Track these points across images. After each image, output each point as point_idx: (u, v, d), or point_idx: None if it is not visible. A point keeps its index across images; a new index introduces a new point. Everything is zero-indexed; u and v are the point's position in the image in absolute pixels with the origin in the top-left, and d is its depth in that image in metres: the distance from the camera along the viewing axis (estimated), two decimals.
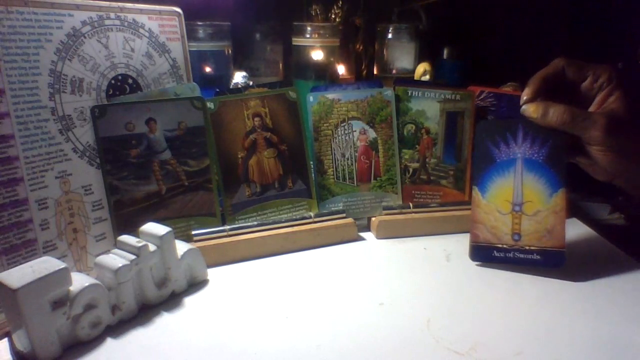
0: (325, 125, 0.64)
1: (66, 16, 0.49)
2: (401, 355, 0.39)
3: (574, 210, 0.68)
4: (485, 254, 0.53)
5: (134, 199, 0.53)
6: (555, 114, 0.48)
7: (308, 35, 0.81)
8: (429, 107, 0.65)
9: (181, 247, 0.49)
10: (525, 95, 0.50)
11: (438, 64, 0.91)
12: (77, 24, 0.50)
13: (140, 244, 0.44)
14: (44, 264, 0.39)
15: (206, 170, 0.57)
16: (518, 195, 0.52)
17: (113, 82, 0.54)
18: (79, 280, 0.40)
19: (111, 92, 0.53)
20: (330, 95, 0.64)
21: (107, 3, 0.53)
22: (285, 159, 0.62)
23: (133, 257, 0.44)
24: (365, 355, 0.39)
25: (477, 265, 0.54)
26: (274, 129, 0.62)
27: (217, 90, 0.62)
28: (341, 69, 0.90)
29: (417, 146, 0.65)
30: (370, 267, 0.55)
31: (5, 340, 0.41)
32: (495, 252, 0.52)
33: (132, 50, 0.56)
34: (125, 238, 0.46)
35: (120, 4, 0.54)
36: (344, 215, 0.62)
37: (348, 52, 0.95)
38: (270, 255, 0.57)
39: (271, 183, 0.61)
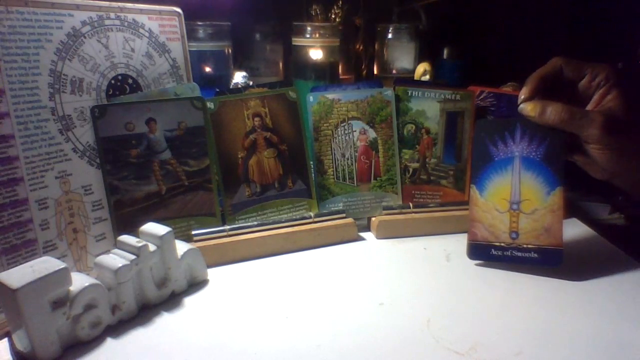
0: (325, 125, 0.64)
1: (66, 16, 0.49)
2: (401, 355, 0.39)
3: (574, 210, 0.68)
4: (483, 252, 0.53)
5: (134, 199, 0.53)
6: (552, 112, 0.48)
7: (308, 35, 0.81)
8: (429, 107, 0.65)
9: (181, 247, 0.49)
10: (523, 94, 0.50)
11: (438, 64, 0.91)
12: (77, 24, 0.50)
13: (140, 244, 0.44)
14: (44, 264, 0.39)
15: (206, 170, 0.57)
16: (516, 194, 0.52)
17: (113, 82, 0.54)
18: (79, 280, 0.40)
19: (111, 92, 0.53)
20: (330, 95, 0.64)
21: (107, 3, 0.53)
22: (285, 159, 0.62)
23: (133, 257, 0.44)
24: (365, 355, 0.39)
25: (477, 265, 0.54)
26: (274, 129, 0.62)
27: (217, 90, 0.62)
28: (341, 69, 0.90)
29: (417, 146, 0.65)
30: (370, 267, 0.55)
31: (5, 340, 0.41)
32: (493, 250, 0.52)
33: (132, 50, 0.56)
34: (125, 238, 0.46)
35: (120, 4, 0.54)
36: (344, 215, 0.62)
37: (348, 52, 0.95)
38: (270, 255, 0.57)
39: (271, 183, 0.61)
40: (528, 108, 0.50)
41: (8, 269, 0.40)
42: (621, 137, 0.47)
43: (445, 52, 0.92)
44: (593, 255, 0.56)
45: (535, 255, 0.51)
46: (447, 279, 0.52)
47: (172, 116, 0.55)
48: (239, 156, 0.60)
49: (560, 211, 0.50)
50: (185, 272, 0.49)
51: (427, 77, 0.85)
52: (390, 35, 0.90)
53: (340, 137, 0.64)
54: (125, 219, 0.52)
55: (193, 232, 0.55)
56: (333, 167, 0.64)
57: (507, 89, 0.70)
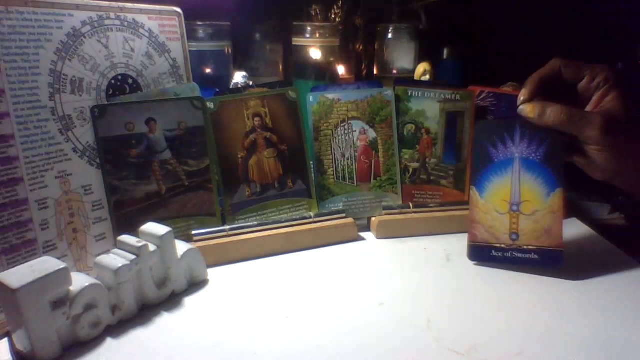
0: (325, 125, 0.64)
1: (66, 16, 0.49)
2: (401, 355, 0.39)
3: (574, 210, 0.68)
4: (483, 253, 0.53)
5: (134, 199, 0.53)
6: (552, 114, 0.48)
7: (308, 35, 0.81)
8: (429, 107, 0.65)
9: (181, 247, 0.49)
10: (522, 96, 0.50)
11: (438, 64, 0.91)
12: (77, 24, 0.50)
13: (140, 244, 0.44)
14: (44, 264, 0.39)
15: (206, 170, 0.57)
16: (516, 195, 0.52)
17: (113, 82, 0.54)
18: (79, 280, 0.40)
19: (111, 92, 0.53)
20: (330, 95, 0.64)
21: (107, 3, 0.53)
22: (285, 159, 0.62)
23: (133, 257, 0.44)
24: (365, 355, 0.39)
25: (477, 265, 0.54)
26: (274, 129, 0.62)
27: (217, 90, 0.62)
28: (341, 69, 0.90)
29: (417, 146, 0.65)
30: (370, 267, 0.55)
31: (5, 340, 0.41)
32: (493, 251, 0.52)
33: (132, 50, 0.56)
34: (125, 238, 0.46)
35: (120, 4, 0.54)
36: (344, 215, 0.61)
37: (348, 52, 0.95)
38: (270, 255, 0.57)
39: (271, 183, 0.61)
40: (527, 110, 0.50)
41: (8, 269, 0.40)
42: (620, 138, 0.47)
43: (445, 52, 0.92)
44: (593, 255, 0.56)
45: (536, 256, 0.51)
46: (447, 279, 0.52)
47: (172, 116, 0.55)
48: (239, 156, 0.60)
49: (560, 212, 0.50)
50: (185, 272, 0.49)
51: (427, 77, 0.85)
52: (390, 35, 0.90)
53: (340, 137, 0.64)
54: (125, 219, 0.52)
55: (193, 232, 0.55)
56: (333, 167, 0.64)
57: (507, 89, 0.70)
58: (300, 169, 0.63)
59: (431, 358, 0.39)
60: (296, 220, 0.59)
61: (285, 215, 0.61)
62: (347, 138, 0.64)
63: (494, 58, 0.90)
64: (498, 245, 0.52)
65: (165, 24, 0.59)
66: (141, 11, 0.56)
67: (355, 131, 0.64)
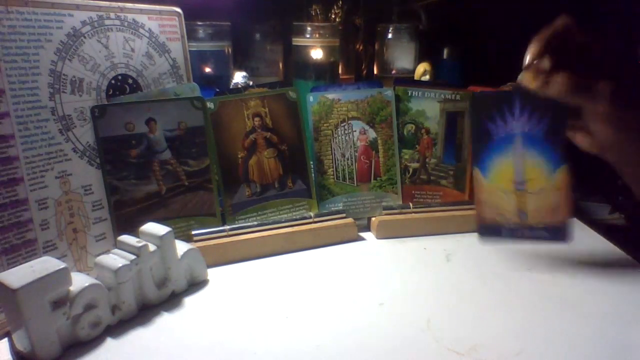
0: (325, 125, 0.64)
1: (66, 16, 0.49)
2: (401, 355, 0.39)
3: (573, 210, 0.68)
4: (493, 231, 0.53)
5: (134, 199, 0.53)
6: (556, 84, 0.43)
7: (308, 35, 0.81)
8: (429, 107, 0.65)
9: (181, 247, 0.49)
10: (527, 59, 0.44)
11: (438, 64, 0.91)
12: (77, 24, 0.50)
13: (140, 244, 0.44)
14: (44, 264, 0.39)
15: (206, 170, 0.57)
16: (519, 173, 0.50)
17: (113, 82, 0.54)
18: (79, 280, 0.40)
19: (111, 92, 0.53)
20: (330, 95, 0.64)
21: (107, 3, 0.53)
22: (285, 159, 0.62)
23: (133, 257, 0.44)
24: (365, 355, 0.39)
25: (477, 265, 0.54)
26: (274, 129, 0.62)
27: (217, 90, 0.62)
28: (341, 69, 0.89)
29: (417, 146, 0.65)
30: (370, 267, 0.55)
31: (5, 340, 0.41)
32: (503, 230, 0.52)
33: (132, 50, 0.56)
34: (125, 238, 0.46)
35: (120, 4, 0.54)
36: (344, 215, 0.61)
37: (348, 52, 0.95)
38: (270, 255, 0.57)
39: (271, 183, 0.61)
40: (528, 78, 0.44)
41: (8, 269, 0.40)
42: (629, 112, 0.43)
43: (445, 52, 0.92)
44: (593, 255, 0.56)
45: (545, 233, 0.51)
46: (447, 279, 0.51)
47: (172, 116, 0.55)
48: (239, 156, 0.60)
49: (566, 189, 0.49)
50: (185, 272, 0.49)
51: (427, 77, 0.85)
52: (390, 35, 0.90)
53: (340, 137, 0.64)
54: (125, 219, 0.52)
55: (193, 232, 0.55)
56: (333, 167, 0.64)
57: (507, 89, 0.70)
58: (300, 169, 0.63)
59: (431, 358, 0.39)
60: (296, 220, 0.59)
61: (285, 215, 0.61)
62: (347, 138, 0.64)
63: (494, 58, 0.90)
64: (507, 224, 0.52)
65: (165, 24, 0.59)
66: (141, 11, 0.56)
67: (355, 131, 0.64)
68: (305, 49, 0.81)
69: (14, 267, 0.39)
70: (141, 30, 0.56)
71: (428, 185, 0.66)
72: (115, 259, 0.43)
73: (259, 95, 0.62)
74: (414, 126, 0.65)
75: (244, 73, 0.75)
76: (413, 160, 0.65)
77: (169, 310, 0.46)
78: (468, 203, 0.64)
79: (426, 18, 0.95)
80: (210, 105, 0.58)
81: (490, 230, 0.53)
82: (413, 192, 0.66)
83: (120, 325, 0.43)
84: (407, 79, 0.82)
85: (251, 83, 0.74)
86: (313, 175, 0.63)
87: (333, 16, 0.93)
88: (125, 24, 0.55)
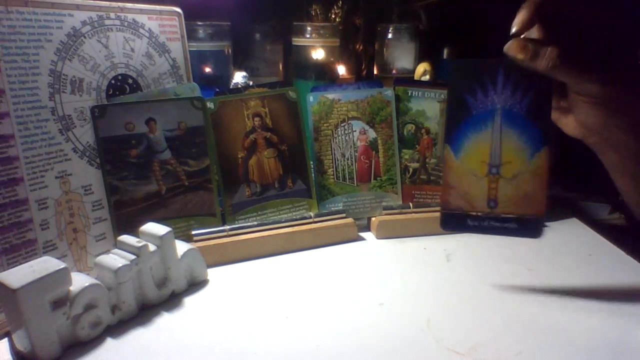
0: (325, 125, 0.64)
1: (66, 16, 0.49)
2: (401, 355, 0.39)
3: (573, 210, 0.68)
4: (457, 223, 0.47)
5: (134, 199, 0.53)
6: (545, 57, 0.39)
7: (308, 35, 0.81)
8: (429, 107, 0.65)
9: (181, 247, 0.49)
10: (515, 26, 0.40)
11: (438, 64, 0.90)
12: (77, 24, 0.50)
13: (140, 244, 0.44)
14: (44, 264, 0.39)
15: (206, 170, 0.57)
16: (495, 156, 0.45)
17: (113, 82, 0.54)
18: (79, 280, 0.40)
19: (111, 92, 0.53)
20: (330, 95, 0.64)
21: (107, 3, 0.53)
22: (285, 159, 0.62)
23: (133, 257, 0.44)
24: (365, 355, 0.39)
25: (477, 264, 0.54)
26: (274, 129, 0.62)
27: (217, 90, 0.62)
28: (341, 69, 0.89)
29: (417, 146, 0.65)
30: (370, 267, 0.55)
31: (5, 340, 0.41)
32: (469, 220, 0.47)
33: (132, 50, 0.56)
34: (125, 238, 0.46)
35: (120, 4, 0.54)
36: (344, 215, 0.61)
37: (348, 52, 0.95)
38: (270, 255, 0.57)
39: (271, 183, 0.61)
40: (517, 47, 0.40)
41: (8, 269, 0.40)
42: (620, 92, 0.39)
43: (445, 52, 0.92)
44: (593, 255, 0.56)
45: (514, 225, 0.46)
46: (447, 279, 0.51)
47: (172, 116, 0.55)
48: (239, 156, 0.60)
49: (544, 175, 0.44)
50: (185, 272, 0.49)
51: (427, 77, 0.85)
52: (390, 35, 0.90)
53: (340, 137, 0.64)
54: (125, 219, 0.52)
55: (193, 232, 0.55)
56: (333, 167, 0.64)
57: None
58: (300, 169, 0.63)
59: (431, 358, 0.39)
60: (296, 220, 0.59)
61: (285, 215, 0.61)
62: (347, 138, 0.64)
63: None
64: (474, 213, 0.46)
65: (165, 24, 0.59)
66: (141, 11, 0.56)
67: (355, 131, 0.64)
68: (305, 49, 0.81)
69: (14, 267, 0.39)
70: (141, 30, 0.56)
71: (428, 185, 0.66)
72: (115, 259, 0.43)
73: (259, 95, 0.62)
74: (414, 126, 0.65)
75: (244, 73, 0.75)
76: (413, 160, 0.65)
77: (169, 310, 0.46)
78: None
79: (426, 18, 0.95)
80: (210, 105, 0.58)
81: (454, 219, 0.47)
82: (413, 192, 0.66)
83: (120, 325, 0.43)
84: (407, 79, 0.81)
85: (251, 83, 0.74)
86: (313, 175, 0.63)
87: (333, 16, 0.93)
88: (125, 24, 0.55)
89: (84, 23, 0.50)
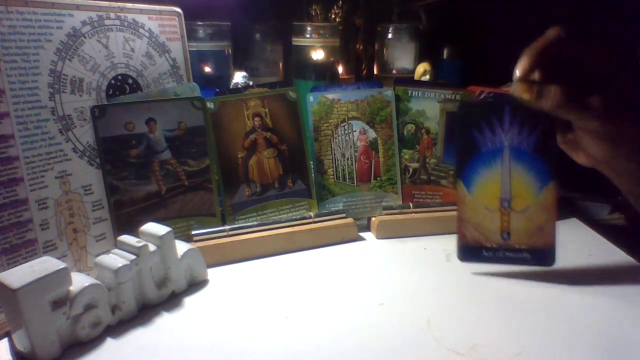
0: (325, 125, 0.64)
1: (66, 16, 0.49)
2: (401, 355, 0.39)
3: (574, 210, 0.68)
4: (474, 254, 0.50)
5: (134, 199, 0.53)
6: (550, 96, 0.41)
7: (308, 35, 0.81)
8: (429, 107, 0.65)
9: (181, 247, 0.49)
10: (518, 71, 0.43)
11: (438, 64, 0.91)
12: (77, 24, 0.50)
13: (140, 244, 0.44)
14: (44, 264, 0.39)
15: (206, 170, 0.57)
16: (506, 190, 0.48)
17: (113, 82, 0.54)
18: (79, 280, 0.40)
19: (111, 92, 0.53)
20: (330, 95, 0.64)
21: (107, 3, 0.53)
22: (285, 159, 0.62)
23: (133, 257, 0.44)
24: (365, 355, 0.39)
25: (477, 265, 0.54)
26: (274, 129, 0.62)
27: (217, 90, 0.62)
28: (341, 69, 0.90)
29: (417, 146, 0.65)
30: (370, 267, 0.55)
31: (5, 340, 0.41)
32: (484, 251, 0.50)
33: (132, 50, 0.56)
34: (125, 238, 0.46)
35: (120, 4, 0.54)
36: (344, 215, 0.61)
37: (348, 52, 0.95)
38: (270, 255, 0.57)
39: (271, 183, 0.61)
40: (522, 89, 0.43)
41: (8, 269, 0.40)
42: (622, 126, 0.42)
43: (445, 52, 0.92)
44: (593, 255, 0.56)
45: (528, 255, 0.49)
46: (447, 279, 0.51)
47: (172, 116, 0.55)
48: (239, 156, 0.60)
49: (553, 208, 0.47)
50: (185, 272, 0.49)
51: (427, 77, 0.85)
52: (390, 35, 0.90)
53: (340, 137, 0.64)
54: (125, 219, 0.52)
55: (193, 232, 0.55)
56: (333, 167, 0.64)
57: (507, 89, 0.70)
58: (300, 169, 0.63)
59: (431, 358, 0.39)
60: (296, 220, 0.59)
61: (285, 215, 0.61)
62: (347, 138, 0.64)
63: (494, 58, 0.90)
64: (489, 245, 0.50)
65: (165, 24, 0.59)
66: (141, 11, 0.56)
67: (355, 131, 0.64)
68: (305, 49, 0.81)
69: (14, 267, 0.39)
70: (141, 30, 0.56)
71: (428, 185, 0.66)
72: (115, 259, 0.43)
73: (259, 95, 0.62)
74: (414, 126, 0.65)
75: (244, 73, 0.75)
76: (413, 160, 0.66)
77: (169, 310, 0.46)
78: None
79: (426, 18, 0.95)
80: (210, 105, 0.58)
81: (471, 251, 0.50)
82: (413, 192, 0.66)
83: (120, 325, 0.43)
84: (407, 79, 0.82)
85: (251, 83, 0.74)
86: (313, 175, 0.63)
87: (333, 16, 0.93)
88: (125, 24, 0.55)
89: (84, 23, 0.50)
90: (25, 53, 0.45)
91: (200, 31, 0.74)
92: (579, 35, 0.43)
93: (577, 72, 0.43)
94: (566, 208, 0.67)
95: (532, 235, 0.48)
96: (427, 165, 0.66)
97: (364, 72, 0.99)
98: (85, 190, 0.50)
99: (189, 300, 0.48)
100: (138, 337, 0.42)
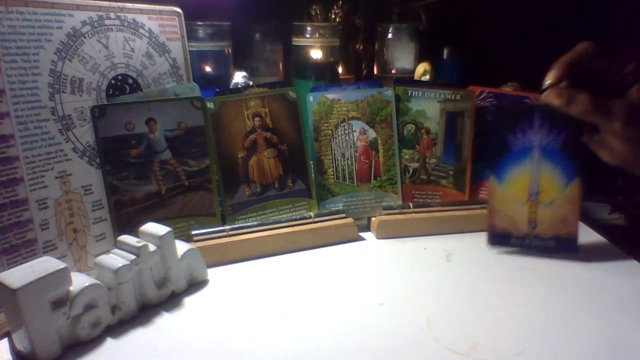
0: (325, 125, 0.64)
1: (66, 16, 0.49)
2: (401, 355, 0.39)
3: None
4: (502, 240, 0.55)
5: (134, 199, 0.53)
6: (579, 103, 0.46)
7: (308, 35, 0.81)
8: (429, 107, 0.65)
9: (181, 247, 0.49)
10: (549, 80, 0.48)
11: (438, 64, 0.91)
12: (77, 24, 0.50)
13: (140, 244, 0.44)
14: (44, 264, 0.39)
15: (206, 170, 0.57)
16: (534, 185, 0.53)
17: (113, 82, 0.54)
18: (79, 280, 0.40)
19: (111, 92, 0.53)
20: (330, 95, 0.64)
21: (107, 3, 0.53)
22: (285, 159, 0.62)
23: (133, 257, 0.44)
24: (365, 355, 0.39)
25: (477, 265, 0.54)
26: (274, 129, 0.62)
27: (217, 90, 0.62)
28: (341, 69, 0.90)
29: (417, 146, 0.65)
30: (370, 267, 0.55)
31: (5, 340, 0.41)
32: (512, 239, 0.55)
33: (132, 50, 0.56)
34: (125, 238, 0.46)
35: (120, 4, 0.54)
36: (344, 215, 0.61)
37: (348, 52, 0.95)
38: (270, 256, 0.57)
39: (271, 183, 0.61)
40: (553, 95, 0.47)
41: (8, 269, 0.40)
42: None
43: (445, 52, 0.92)
44: (593, 256, 0.56)
45: (552, 244, 0.53)
46: (447, 279, 0.51)
47: (172, 116, 0.55)
48: (239, 156, 0.60)
49: (577, 202, 0.52)
50: (185, 272, 0.49)
51: (427, 77, 0.85)
52: (390, 35, 0.90)
53: (340, 137, 0.64)
54: (125, 219, 0.52)
55: (193, 232, 0.55)
56: (333, 167, 0.64)
57: (507, 89, 0.70)
58: (300, 169, 0.63)
59: (431, 358, 0.39)
60: (296, 220, 0.59)
61: (285, 215, 0.61)
62: (347, 138, 0.64)
63: (494, 58, 0.90)
64: (517, 233, 0.54)
65: (165, 24, 0.59)
66: (141, 11, 0.56)
67: (355, 131, 0.64)
68: (305, 49, 0.81)
69: (14, 267, 0.39)
70: (141, 30, 0.56)
71: (428, 185, 0.66)
72: (115, 259, 0.43)
73: (259, 95, 0.62)
74: (414, 126, 0.65)
75: (244, 73, 0.75)
76: (413, 160, 0.66)
77: (169, 310, 0.46)
78: (468, 203, 0.64)
79: (426, 18, 0.95)
80: (210, 105, 0.58)
81: (500, 238, 0.55)
82: (413, 192, 0.66)
83: (120, 325, 0.43)
84: (407, 79, 0.82)
85: (251, 83, 0.74)
86: (313, 175, 0.63)
87: (333, 16, 0.94)
88: (125, 24, 0.55)
89: (84, 23, 0.50)
90: (25, 53, 0.45)
91: (200, 31, 0.74)
92: (605, 49, 0.48)
93: (603, 82, 0.47)
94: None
95: (557, 226, 0.53)
96: (427, 165, 0.66)
97: (364, 72, 0.99)
98: (85, 190, 0.50)
99: (189, 300, 0.48)
100: (138, 337, 0.42)
